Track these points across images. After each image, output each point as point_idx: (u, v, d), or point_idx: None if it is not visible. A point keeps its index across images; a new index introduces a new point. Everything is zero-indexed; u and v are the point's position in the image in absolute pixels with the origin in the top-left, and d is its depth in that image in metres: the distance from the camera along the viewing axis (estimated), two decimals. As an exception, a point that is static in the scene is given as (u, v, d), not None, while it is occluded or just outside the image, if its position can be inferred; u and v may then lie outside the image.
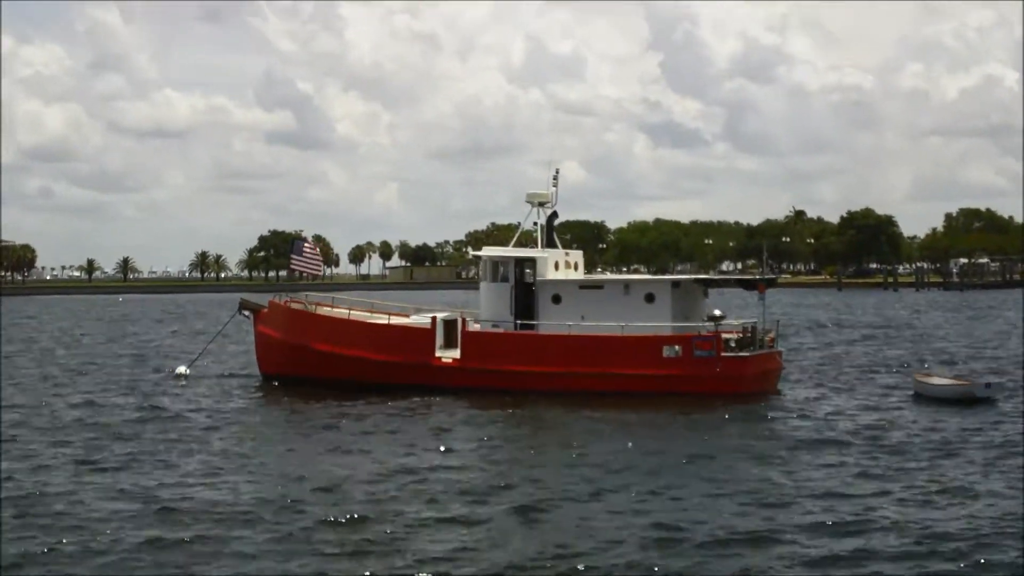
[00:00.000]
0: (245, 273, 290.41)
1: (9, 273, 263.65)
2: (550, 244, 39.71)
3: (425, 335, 37.98)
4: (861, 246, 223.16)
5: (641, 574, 16.39)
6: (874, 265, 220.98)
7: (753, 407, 33.27)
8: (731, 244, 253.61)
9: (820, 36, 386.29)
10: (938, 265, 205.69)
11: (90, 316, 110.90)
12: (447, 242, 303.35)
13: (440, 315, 39.17)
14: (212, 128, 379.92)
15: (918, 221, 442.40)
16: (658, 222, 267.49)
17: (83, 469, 24.28)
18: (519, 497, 21.18)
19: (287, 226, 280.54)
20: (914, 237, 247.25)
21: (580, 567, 16.53)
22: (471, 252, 45.54)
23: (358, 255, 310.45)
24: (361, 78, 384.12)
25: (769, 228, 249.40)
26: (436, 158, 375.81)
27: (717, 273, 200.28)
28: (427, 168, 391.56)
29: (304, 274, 45.06)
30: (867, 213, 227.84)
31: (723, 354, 35.31)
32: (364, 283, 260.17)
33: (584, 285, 38.22)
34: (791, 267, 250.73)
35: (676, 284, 37.82)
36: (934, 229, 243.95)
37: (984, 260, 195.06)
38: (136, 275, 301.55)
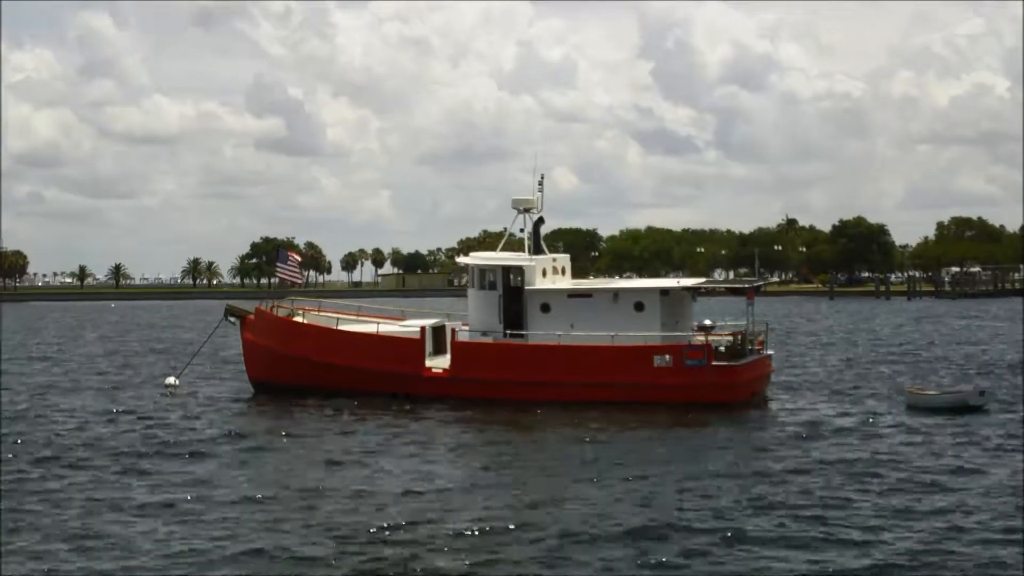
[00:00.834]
0: (237, 280, 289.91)
1: (1, 280, 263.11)
2: (537, 250, 39.59)
3: (413, 344, 37.82)
4: (853, 255, 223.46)
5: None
6: (866, 274, 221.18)
7: (743, 419, 33.21)
8: (723, 252, 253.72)
9: (811, 44, 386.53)
10: (930, 274, 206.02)
11: (84, 324, 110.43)
12: (439, 249, 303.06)
13: (428, 323, 39.07)
14: (203, 134, 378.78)
15: (909, 229, 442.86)
16: (650, 230, 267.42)
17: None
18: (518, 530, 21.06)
19: (279, 233, 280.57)
20: (905, 246, 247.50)
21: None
22: (460, 259, 45.67)
23: (350, 262, 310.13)
24: (352, 84, 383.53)
25: (761, 236, 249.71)
26: (427, 164, 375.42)
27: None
28: (418, 174, 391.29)
29: (289, 282, 45.23)
30: (859, 222, 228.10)
31: (714, 363, 35.21)
32: (356, 290, 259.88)
33: (573, 294, 38.09)
34: (784, 275, 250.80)
35: (665, 292, 37.69)
36: (926, 238, 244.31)
37: (976, 269, 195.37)
38: (128, 281, 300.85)
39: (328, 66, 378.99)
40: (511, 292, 37.82)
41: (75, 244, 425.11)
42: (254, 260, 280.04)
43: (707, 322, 36.53)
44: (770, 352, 39.49)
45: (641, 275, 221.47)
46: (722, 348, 36.02)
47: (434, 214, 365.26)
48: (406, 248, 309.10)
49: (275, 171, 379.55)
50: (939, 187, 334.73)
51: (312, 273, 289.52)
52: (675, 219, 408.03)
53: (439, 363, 37.67)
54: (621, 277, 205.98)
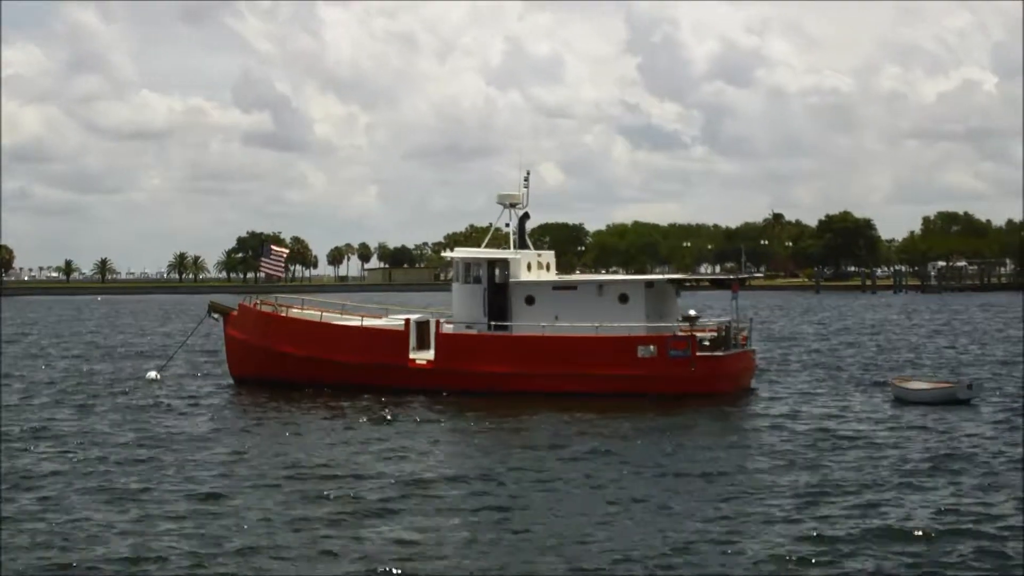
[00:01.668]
0: (223, 274, 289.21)
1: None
2: (522, 245, 39.50)
3: (398, 337, 37.70)
4: (839, 249, 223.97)
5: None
6: (852, 268, 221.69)
7: (726, 410, 33.17)
8: (709, 247, 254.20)
9: (799, 39, 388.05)
10: (916, 268, 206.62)
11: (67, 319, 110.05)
12: (426, 244, 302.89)
13: (412, 317, 38.95)
14: (190, 129, 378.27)
15: (896, 224, 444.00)
16: (636, 225, 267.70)
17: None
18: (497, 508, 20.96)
19: (266, 228, 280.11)
20: (892, 240, 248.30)
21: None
22: (446, 254, 45.59)
23: (337, 257, 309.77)
24: (339, 79, 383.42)
25: (747, 231, 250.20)
26: (414, 159, 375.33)
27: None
28: (405, 169, 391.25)
29: (273, 276, 45.25)
30: (845, 216, 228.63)
31: (698, 354, 35.16)
32: (343, 285, 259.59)
33: (557, 286, 37.99)
34: (769, 270, 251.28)
35: (650, 284, 37.64)
36: (912, 232, 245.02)
37: (962, 263, 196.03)
38: (114, 276, 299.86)
39: (315, 61, 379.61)
40: (496, 285, 37.70)
41: (61, 239, 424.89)
42: (240, 255, 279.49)
43: (691, 312, 36.47)
44: (754, 348, 39.42)
45: (627, 270, 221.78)
46: (706, 341, 35.96)
47: (421, 209, 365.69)
48: (393, 243, 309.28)
49: (262, 166, 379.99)
50: (926, 182, 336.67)
51: (298, 268, 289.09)
52: (661, 214, 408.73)
53: (423, 356, 37.54)
54: (607, 273, 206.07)
